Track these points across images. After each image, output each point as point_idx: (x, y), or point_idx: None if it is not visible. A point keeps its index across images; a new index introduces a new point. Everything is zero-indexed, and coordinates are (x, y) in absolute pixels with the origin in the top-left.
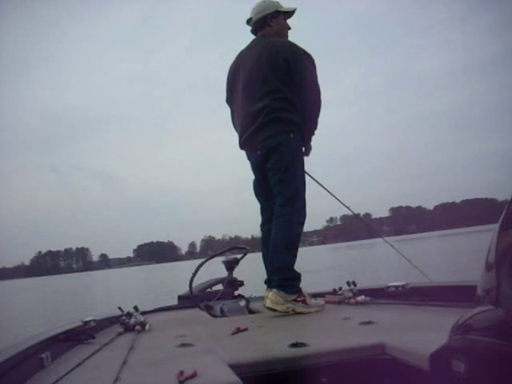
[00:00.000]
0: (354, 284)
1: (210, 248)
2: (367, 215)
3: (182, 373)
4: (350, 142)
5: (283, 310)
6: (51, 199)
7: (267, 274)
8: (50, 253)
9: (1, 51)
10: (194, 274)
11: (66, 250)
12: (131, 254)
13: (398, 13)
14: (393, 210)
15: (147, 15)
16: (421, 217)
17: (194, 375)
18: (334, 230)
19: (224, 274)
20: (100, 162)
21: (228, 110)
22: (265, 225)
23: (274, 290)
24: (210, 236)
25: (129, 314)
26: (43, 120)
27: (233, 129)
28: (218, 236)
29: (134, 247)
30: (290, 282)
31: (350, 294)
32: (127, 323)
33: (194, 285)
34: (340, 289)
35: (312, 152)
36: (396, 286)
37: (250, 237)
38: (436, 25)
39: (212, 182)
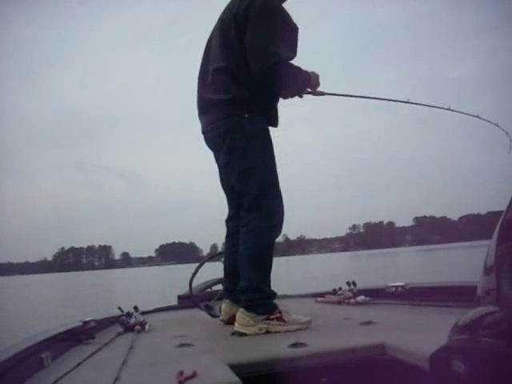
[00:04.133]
0: (354, 284)
1: None
2: (391, 224)
3: (181, 373)
4: (376, 150)
5: (254, 333)
6: (76, 197)
7: (225, 277)
8: (72, 249)
9: (29, 49)
10: (194, 274)
11: (88, 247)
12: (153, 254)
13: (427, 20)
14: (417, 219)
15: (174, 15)
16: (445, 227)
17: (193, 375)
18: (356, 237)
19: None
20: (124, 161)
21: None
22: (229, 221)
23: (241, 309)
24: None
25: (129, 314)
26: (68, 118)
27: None
28: None
29: (156, 247)
30: (260, 301)
31: (350, 294)
32: (127, 323)
33: (193, 285)
34: (340, 289)
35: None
36: (396, 286)
37: None
38: (466, 32)
39: None
